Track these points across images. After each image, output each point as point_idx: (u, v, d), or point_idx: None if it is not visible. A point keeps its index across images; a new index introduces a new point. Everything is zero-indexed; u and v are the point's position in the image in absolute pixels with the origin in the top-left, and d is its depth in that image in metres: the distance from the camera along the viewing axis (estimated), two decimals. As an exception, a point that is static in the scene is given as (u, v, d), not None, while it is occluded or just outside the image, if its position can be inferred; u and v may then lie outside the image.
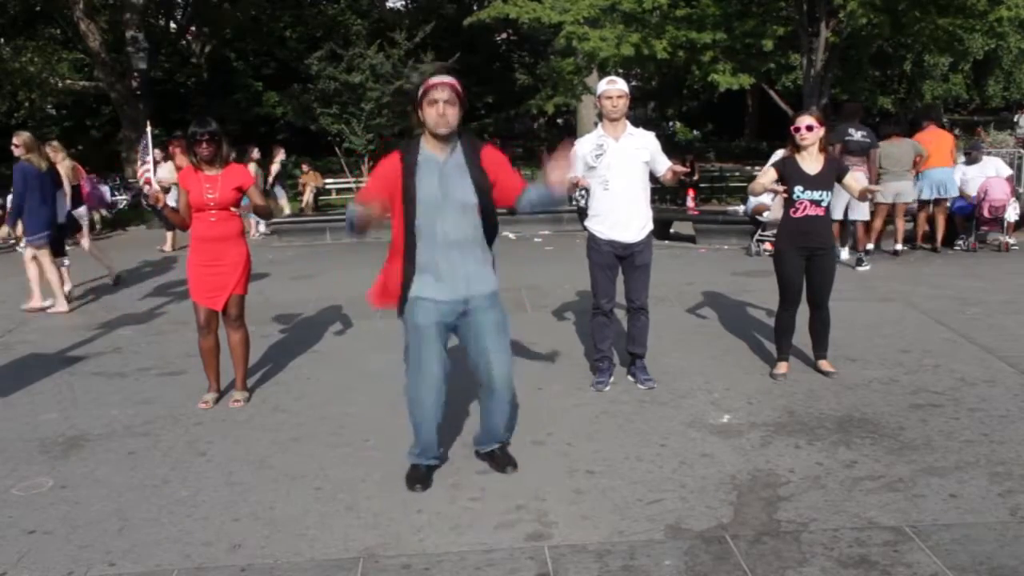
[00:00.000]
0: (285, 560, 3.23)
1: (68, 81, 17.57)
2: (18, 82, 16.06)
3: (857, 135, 9.21)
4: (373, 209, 3.49)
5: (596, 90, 5.08)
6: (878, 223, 9.38)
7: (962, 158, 10.73)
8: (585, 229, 5.19)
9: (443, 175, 3.55)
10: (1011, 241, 9.79)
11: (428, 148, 3.59)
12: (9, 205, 7.97)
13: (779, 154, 9.69)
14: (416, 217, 3.54)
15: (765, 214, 9.78)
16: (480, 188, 3.58)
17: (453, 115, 3.50)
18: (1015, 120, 25.40)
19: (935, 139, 9.78)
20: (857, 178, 5.85)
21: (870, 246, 9.31)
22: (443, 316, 3.65)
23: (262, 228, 13.52)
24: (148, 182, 5.34)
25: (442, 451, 4.05)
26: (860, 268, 8.86)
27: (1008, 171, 10.03)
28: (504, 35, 28.43)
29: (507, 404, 3.88)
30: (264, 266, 9.64)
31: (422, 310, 3.63)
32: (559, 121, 29.40)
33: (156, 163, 10.83)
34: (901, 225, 9.57)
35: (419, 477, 3.87)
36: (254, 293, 5.51)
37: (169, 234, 12.09)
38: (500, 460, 4.01)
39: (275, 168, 15.41)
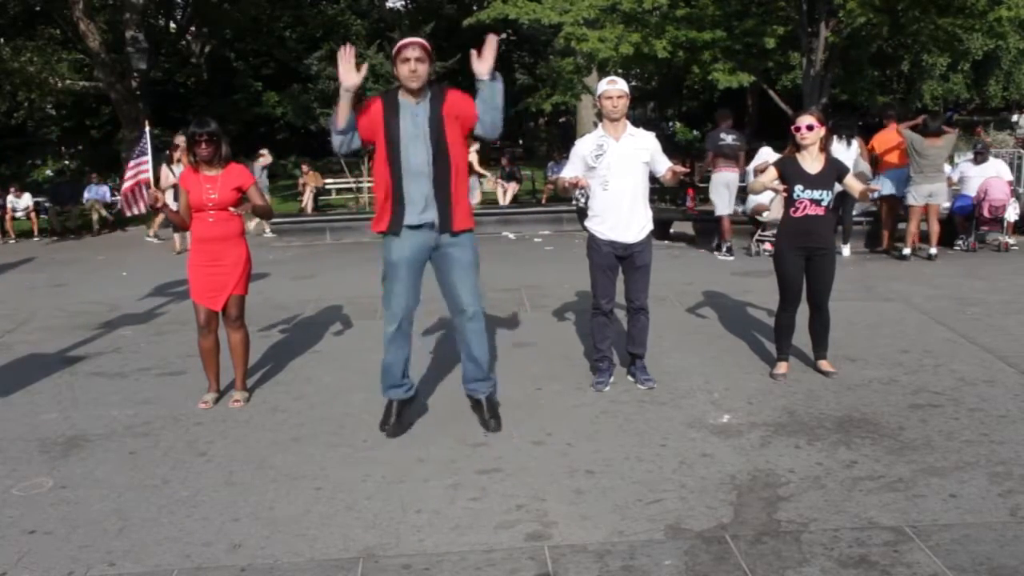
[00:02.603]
0: (285, 560, 3.23)
1: (68, 81, 17.53)
2: (18, 82, 16.03)
3: (728, 139, 10.00)
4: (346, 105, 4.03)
5: (596, 90, 5.08)
6: (913, 226, 9.33)
7: (968, 155, 10.70)
8: (585, 229, 5.19)
9: (415, 116, 4.05)
10: (1011, 241, 9.79)
11: (403, 98, 4.11)
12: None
13: (763, 153, 9.80)
14: (396, 149, 4.05)
15: (764, 214, 9.80)
16: (438, 121, 4.05)
17: (423, 70, 4.00)
18: (1015, 120, 25.42)
19: (895, 138, 9.67)
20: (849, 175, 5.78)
21: (907, 250, 9.30)
22: (414, 248, 4.17)
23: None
24: (147, 182, 5.33)
25: (407, 382, 4.45)
26: (720, 256, 9.88)
27: (1009, 175, 10.01)
28: (504, 35, 28.42)
29: (479, 331, 4.35)
30: (264, 266, 9.64)
31: (397, 246, 4.17)
32: (561, 120, 29.38)
33: (172, 163, 10.85)
34: (936, 228, 9.28)
35: (387, 418, 4.42)
36: (254, 293, 5.51)
37: (177, 235, 12.00)
38: (485, 413, 4.43)
39: (473, 158, 15.20)
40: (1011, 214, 9.63)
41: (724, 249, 10.03)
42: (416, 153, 4.06)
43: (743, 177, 10.50)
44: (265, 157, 14.68)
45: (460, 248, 4.24)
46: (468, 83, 4.26)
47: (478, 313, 4.36)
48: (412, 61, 3.97)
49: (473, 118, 4.16)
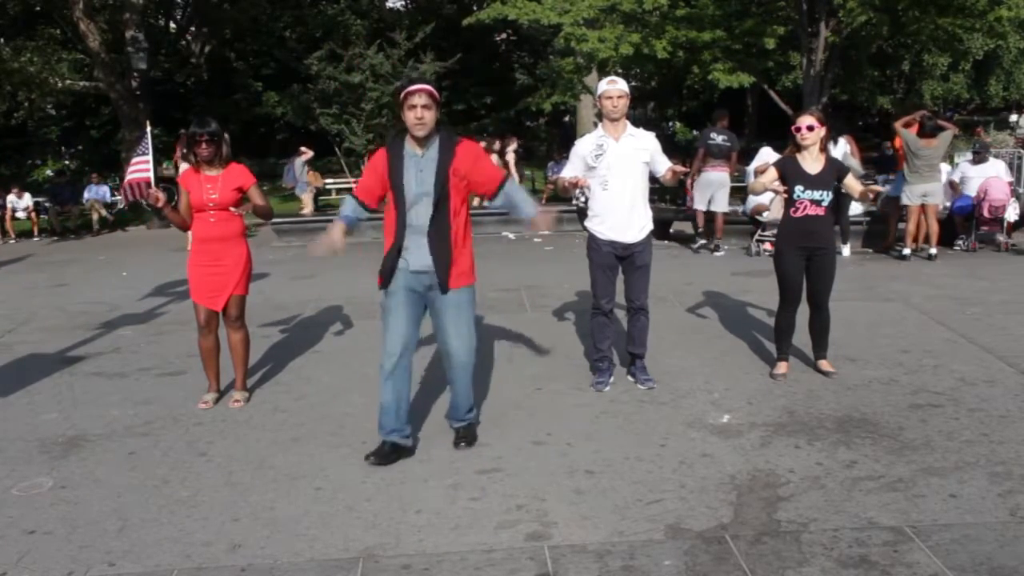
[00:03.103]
0: (285, 560, 3.23)
1: (68, 81, 17.51)
2: (18, 82, 16.03)
3: (718, 139, 10.21)
4: (362, 215, 4.15)
5: (596, 90, 5.07)
6: (912, 225, 9.32)
7: (968, 156, 10.71)
8: (585, 229, 5.19)
9: (420, 170, 3.95)
10: (1011, 241, 9.79)
11: (409, 145, 4.00)
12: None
13: (763, 153, 9.82)
14: (402, 205, 3.98)
15: (764, 214, 9.80)
16: (442, 182, 3.94)
17: (430, 117, 3.90)
18: (1013, 120, 25.43)
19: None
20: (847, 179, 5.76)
21: (907, 251, 9.28)
22: (411, 283, 4.04)
23: None
24: (147, 181, 5.32)
25: (406, 428, 4.17)
26: (716, 253, 10.21)
27: (1009, 176, 10.01)
28: (504, 35, 28.42)
29: (464, 376, 4.22)
30: (264, 266, 9.64)
31: (395, 279, 4.07)
32: (566, 120, 29.36)
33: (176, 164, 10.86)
34: (935, 227, 9.27)
35: (378, 452, 4.13)
36: (254, 293, 5.51)
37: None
38: (458, 435, 4.32)
39: (511, 158, 15.02)
40: (1011, 214, 9.63)
41: (698, 244, 10.51)
42: (420, 212, 3.97)
43: (742, 177, 10.53)
44: (306, 153, 14.71)
45: (455, 293, 4.08)
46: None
47: (466, 360, 4.17)
48: (419, 108, 3.85)
49: (482, 188, 4.13)
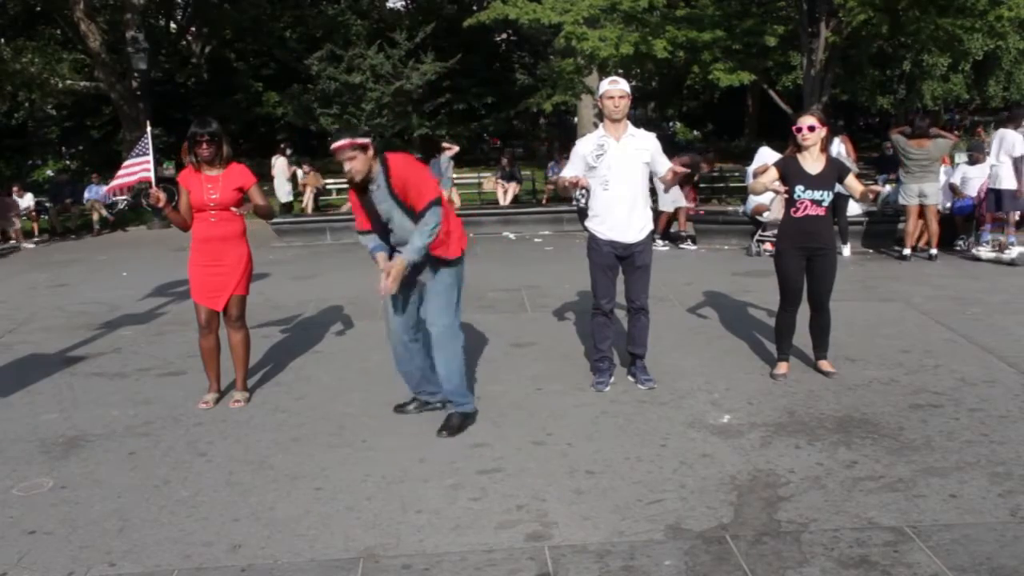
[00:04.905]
0: (285, 560, 3.23)
1: (68, 81, 17.52)
2: (18, 83, 16.03)
3: None
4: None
5: (597, 90, 5.07)
6: (911, 226, 9.33)
7: (964, 158, 10.73)
8: (585, 229, 5.19)
9: (379, 203, 4.31)
10: (1012, 241, 9.77)
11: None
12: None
13: (763, 153, 9.81)
14: (378, 220, 4.41)
15: (765, 214, 9.80)
16: (392, 207, 4.31)
17: (357, 166, 4.21)
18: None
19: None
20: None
21: (907, 251, 9.28)
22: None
23: None
24: (148, 180, 5.31)
25: (424, 392, 4.72)
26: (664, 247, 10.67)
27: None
28: (504, 35, 28.43)
29: (443, 354, 4.43)
30: (264, 266, 9.64)
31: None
32: (574, 120, 29.39)
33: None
34: (935, 228, 9.27)
35: (404, 404, 4.81)
36: (254, 293, 5.51)
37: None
38: (444, 423, 4.50)
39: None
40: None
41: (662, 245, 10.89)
42: (396, 232, 4.38)
43: (742, 177, 10.53)
44: (451, 149, 13.63)
45: (434, 274, 4.42)
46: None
47: (443, 332, 4.42)
48: (345, 162, 4.23)
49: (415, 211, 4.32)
